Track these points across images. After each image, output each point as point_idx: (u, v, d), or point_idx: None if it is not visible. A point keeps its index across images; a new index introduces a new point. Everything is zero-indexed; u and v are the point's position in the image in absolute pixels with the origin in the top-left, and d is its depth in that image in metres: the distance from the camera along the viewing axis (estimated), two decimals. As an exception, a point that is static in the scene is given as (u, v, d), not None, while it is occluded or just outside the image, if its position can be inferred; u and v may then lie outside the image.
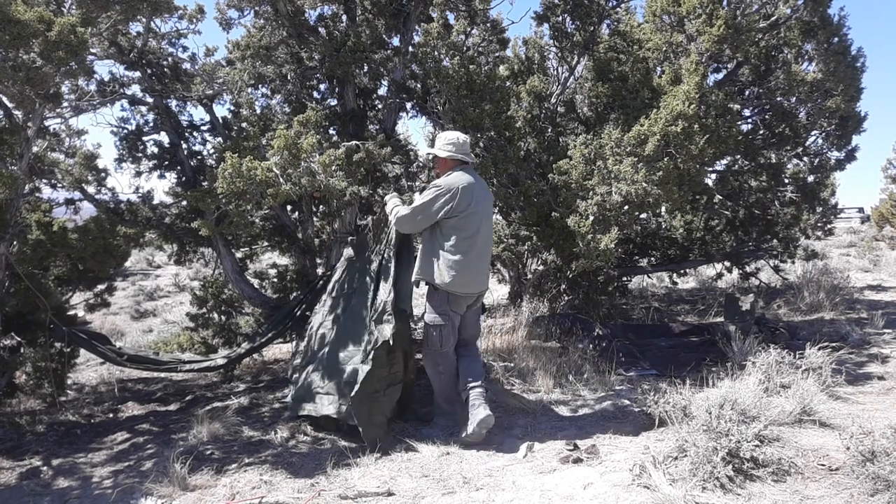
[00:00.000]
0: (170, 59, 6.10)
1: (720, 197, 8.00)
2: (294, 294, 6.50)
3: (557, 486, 3.45)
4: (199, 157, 6.37)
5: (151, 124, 6.31)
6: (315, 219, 6.56)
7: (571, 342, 6.02)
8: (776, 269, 9.60)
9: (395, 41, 6.16)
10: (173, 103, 6.21)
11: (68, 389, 6.03)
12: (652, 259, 9.08)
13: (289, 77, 5.94)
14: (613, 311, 7.71)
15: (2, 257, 4.83)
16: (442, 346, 4.30)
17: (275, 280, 6.90)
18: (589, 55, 6.78)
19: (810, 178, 8.04)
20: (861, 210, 28.86)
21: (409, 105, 6.47)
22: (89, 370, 7.18)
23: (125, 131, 6.25)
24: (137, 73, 5.93)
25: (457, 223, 4.19)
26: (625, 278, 8.98)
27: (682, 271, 10.44)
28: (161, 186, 7.75)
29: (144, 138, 6.32)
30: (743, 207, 8.25)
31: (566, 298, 7.19)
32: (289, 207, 6.65)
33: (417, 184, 7.57)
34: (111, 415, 5.48)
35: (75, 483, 3.95)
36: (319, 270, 6.27)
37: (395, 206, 4.46)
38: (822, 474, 3.39)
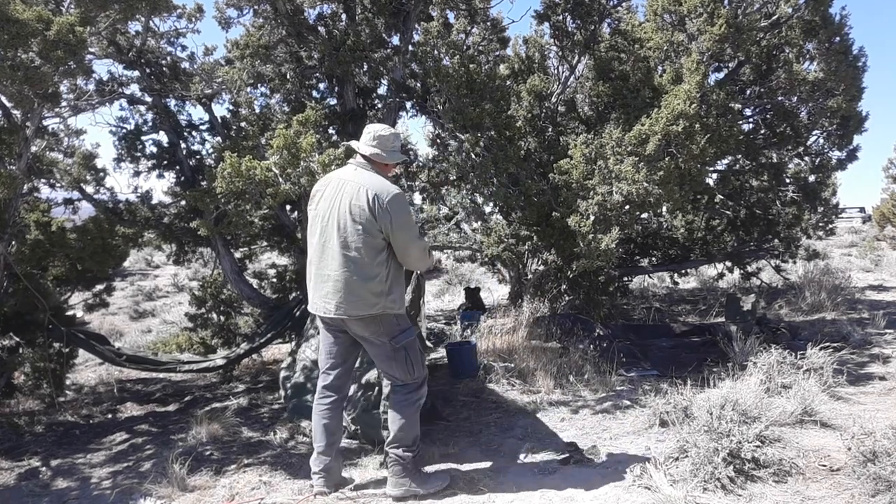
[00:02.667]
0: (168, 58, 6.09)
1: (721, 197, 7.98)
2: (293, 294, 6.48)
3: (558, 487, 3.44)
4: (197, 157, 6.36)
5: (150, 124, 6.30)
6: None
7: (572, 342, 6.00)
8: (777, 269, 9.58)
9: (395, 40, 6.16)
10: (172, 102, 6.21)
11: (67, 390, 6.01)
12: (653, 259, 9.06)
13: (288, 76, 5.93)
14: (614, 312, 7.70)
15: (0, 257, 4.81)
16: (321, 364, 3.55)
17: (274, 280, 6.90)
18: (590, 54, 6.76)
19: (811, 178, 8.02)
20: (862, 210, 28.83)
21: (408, 104, 6.47)
22: (88, 370, 7.16)
23: (124, 131, 6.24)
24: (136, 73, 5.93)
25: (309, 220, 3.45)
26: (626, 278, 8.96)
27: (683, 271, 10.42)
28: (160, 186, 7.77)
29: (143, 138, 6.32)
30: (744, 207, 8.23)
31: (567, 298, 7.17)
32: (288, 207, 6.63)
33: (417, 183, 7.57)
34: (110, 415, 5.47)
35: (74, 484, 3.93)
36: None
37: None
38: (823, 475, 3.37)
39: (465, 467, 3.77)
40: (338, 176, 3.39)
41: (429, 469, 3.75)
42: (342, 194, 3.27)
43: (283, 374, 4.97)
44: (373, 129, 3.43)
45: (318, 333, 4.73)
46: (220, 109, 31.32)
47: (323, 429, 3.41)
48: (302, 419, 4.54)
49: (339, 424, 3.50)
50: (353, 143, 3.48)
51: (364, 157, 3.38)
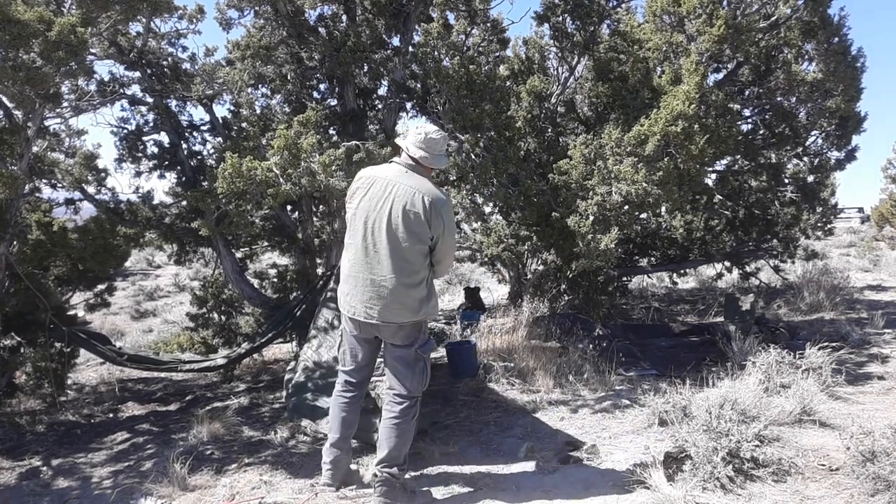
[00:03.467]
0: (170, 59, 6.10)
1: (720, 197, 8.00)
2: (294, 294, 6.50)
3: (558, 487, 3.45)
4: (199, 157, 6.38)
5: (151, 124, 6.31)
6: (315, 219, 6.57)
7: (571, 342, 6.01)
8: (776, 269, 9.60)
9: (395, 41, 6.17)
10: (173, 103, 6.21)
11: (68, 389, 6.03)
12: (652, 259, 9.07)
13: (289, 77, 5.94)
14: (613, 311, 7.71)
15: (2, 257, 4.83)
16: (343, 364, 3.49)
17: (275, 280, 6.91)
18: (589, 55, 6.78)
19: (810, 178, 8.04)
20: (861, 210, 28.89)
21: (409, 105, 6.48)
22: (89, 370, 7.18)
23: (125, 131, 6.25)
24: (137, 73, 5.94)
25: (349, 218, 3.34)
26: (625, 278, 8.98)
27: (682, 271, 10.44)
28: (161, 186, 7.75)
29: (144, 138, 6.33)
30: (743, 207, 8.25)
31: (566, 298, 7.18)
32: (289, 207, 6.65)
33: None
34: (111, 415, 5.48)
35: (75, 483, 3.94)
36: (319, 270, 6.27)
37: None
38: (822, 474, 3.39)
39: (465, 467, 3.79)
40: (383, 176, 3.25)
41: (430, 472, 3.76)
42: (392, 197, 3.17)
43: (287, 376, 4.98)
44: (424, 130, 3.31)
45: (321, 333, 4.77)
46: (221, 110, 31.30)
47: (341, 421, 3.41)
48: (302, 418, 4.54)
49: (356, 418, 3.50)
50: (400, 142, 3.40)
51: (412, 158, 3.27)
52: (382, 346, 3.45)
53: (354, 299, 3.25)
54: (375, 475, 3.25)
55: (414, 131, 3.34)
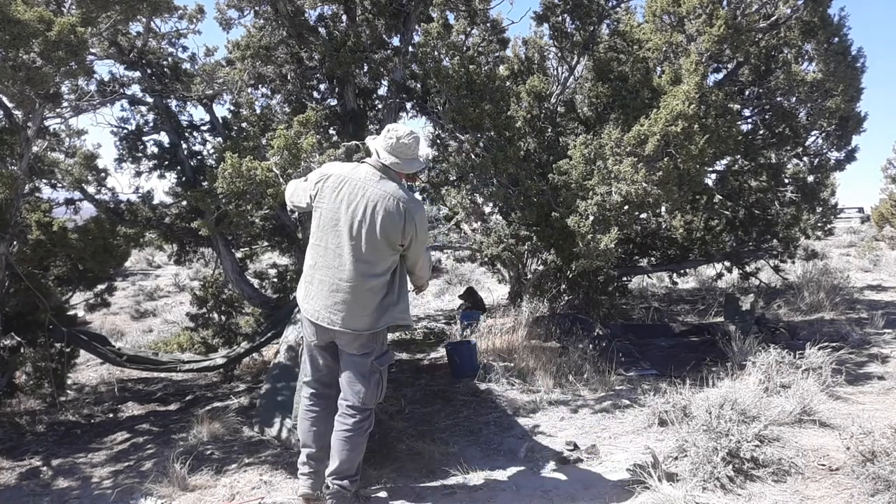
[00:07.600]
0: (170, 58, 6.10)
1: (720, 197, 8.00)
2: (294, 294, 6.49)
3: (558, 487, 3.45)
4: (199, 157, 6.37)
5: (151, 124, 6.30)
6: (315, 219, 6.56)
7: (571, 342, 6.01)
8: (776, 269, 9.59)
9: (395, 41, 6.17)
10: (173, 103, 6.21)
11: (68, 389, 6.03)
12: (652, 259, 9.07)
13: (289, 77, 5.94)
14: (613, 311, 7.71)
15: (2, 257, 4.82)
16: (304, 374, 3.45)
17: (275, 280, 6.90)
18: (589, 55, 6.79)
19: (810, 178, 8.04)
20: (861, 210, 28.87)
21: (409, 105, 6.48)
22: (89, 370, 7.17)
23: (125, 131, 6.25)
24: (137, 73, 5.93)
25: (315, 218, 3.21)
26: (625, 278, 8.97)
27: (682, 271, 10.43)
28: (161, 186, 7.74)
29: (144, 138, 6.32)
30: (743, 207, 8.25)
31: (566, 298, 7.18)
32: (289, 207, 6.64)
33: (417, 184, 7.59)
34: (111, 415, 5.48)
35: (75, 483, 3.94)
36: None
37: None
38: (822, 474, 3.39)
39: (465, 466, 3.78)
40: (354, 178, 3.13)
41: (429, 472, 3.76)
42: (364, 201, 3.06)
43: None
44: (395, 134, 3.16)
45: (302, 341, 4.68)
46: (221, 110, 31.27)
47: (314, 434, 3.32)
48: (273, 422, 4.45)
49: (330, 428, 3.36)
50: (371, 144, 3.26)
51: (382, 163, 3.16)
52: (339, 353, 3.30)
53: (319, 304, 3.15)
54: (327, 486, 3.20)
55: (385, 134, 3.19)
